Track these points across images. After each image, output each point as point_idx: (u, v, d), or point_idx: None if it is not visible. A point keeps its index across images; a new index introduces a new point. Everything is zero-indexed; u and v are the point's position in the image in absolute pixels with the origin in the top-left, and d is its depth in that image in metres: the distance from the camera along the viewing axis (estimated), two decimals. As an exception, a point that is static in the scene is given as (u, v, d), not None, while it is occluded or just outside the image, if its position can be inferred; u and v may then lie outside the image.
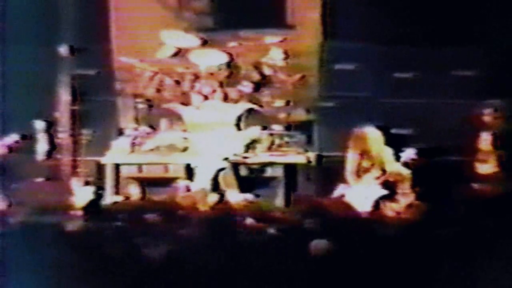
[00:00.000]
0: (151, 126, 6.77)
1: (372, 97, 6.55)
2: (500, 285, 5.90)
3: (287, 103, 6.72)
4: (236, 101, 6.70)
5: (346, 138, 6.50)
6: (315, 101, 6.64)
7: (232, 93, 6.72)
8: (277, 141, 6.68)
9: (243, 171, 6.59)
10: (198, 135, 6.67)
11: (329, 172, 6.51)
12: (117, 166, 6.63)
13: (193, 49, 6.65)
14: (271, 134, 6.68)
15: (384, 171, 6.42)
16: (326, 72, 6.57)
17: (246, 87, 6.69)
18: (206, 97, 6.74)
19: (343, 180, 6.46)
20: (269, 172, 6.56)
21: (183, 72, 6.71)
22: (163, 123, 6.79)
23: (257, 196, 6.45)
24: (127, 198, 6.59)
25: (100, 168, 6.63)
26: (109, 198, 6.59)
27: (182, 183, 6.49)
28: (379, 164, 6.46)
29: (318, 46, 6.55)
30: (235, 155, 6.59)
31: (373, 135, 6.45)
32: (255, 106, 6.69)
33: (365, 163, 6.45)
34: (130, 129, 6.78)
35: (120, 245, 6.01)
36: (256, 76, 6.69)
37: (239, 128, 6.72)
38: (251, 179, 6.55)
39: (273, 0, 6.50)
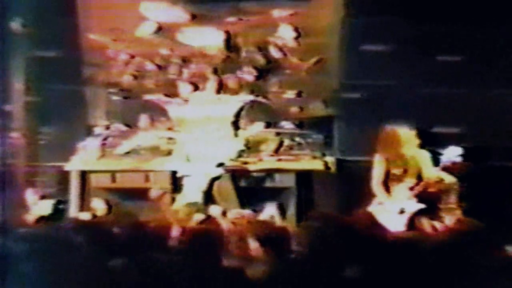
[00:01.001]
0: (127, 124, 6.36)
1: (407, 86, 6.09)
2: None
3: (299, 94, 6.32)
4: (234, 92, 6.29)
5: (374, 138, 5.97)
6: (335, 92, 6.24)
7: (230, 81, 6.30)
8: (286, 142, 6.27)
9: (244, 181, 6.25)
10: (187, 135, 6.25)
11: (353, 181, 6.04)
12: (84, 174, 6.26)
13: (180, 26, 6.28)
14: (279, 134, 6.27)
15: (420, 180, 5.90)
16: (349, 55, 6.13)
17: (248, 74, 6.29)
18: (196, 87, 6.32)
19: (370, 191, 5.92)
20: (276, 181, 6.21)
21: (168, 54, 6.32)
22: (143, 119, 6.36)
23: (254, 211, 6.05)
24: (95, 215, 6.15)
25: (63, 176, 6.27)
26: (74, 214, 6.19)
27: (155, 191, 6.17)
28: (413, 171, 5.92)
29: (338, 21, 6.14)
30: (233, 160, 6.17)
31: (406, 135, 5.93)
32: (259, 98, 6.28)
33: (397, 170, 5.91)
34: (101, 127, 6.38)
35: (84, 269, 5.55)
36: (260, 60, 6.29)
37: (238, 126, 6.28)
38: (254, 190, 6.20)
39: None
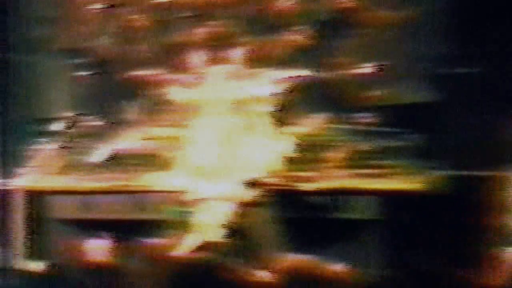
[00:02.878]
0: (103, 116, 5.29)
1: None
2: None
3: (382, 67, 5.02)
4: (276, 64, 5.08)
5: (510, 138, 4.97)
6: (441, 64, 4.94)
7: (269, 47, 5.12)
8: (363, 147, 5.10)
9: (289, 208, 5.05)
10: (199, 133, 5.13)
11: (473, 209, 4.92)
12: (34, 197, 5.26)
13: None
14: (350, 132, 5.15)
15: None
16: (464, 3, 4.85)
17: (298, 34, 5.10)
18: (215, 56, 5.17)
19: (504, 225, 4.95)
20: (348, 209, 5.08)
21: (169, 1, 5.18)
22: (128, 109, 5.31)
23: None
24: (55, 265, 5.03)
25: (3, 200, 5.29)
26: (20, 263, 5.17)
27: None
28: None
29: None
30: (274, 174, 5.04)
31: None
32: (316, 74, 5.05)
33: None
34: (61, 120, 5.32)
35: None
36: (317, 11, 5.19)
37: (282, 120, 5.11)
38: (308, 224, 5.02)
39: None
